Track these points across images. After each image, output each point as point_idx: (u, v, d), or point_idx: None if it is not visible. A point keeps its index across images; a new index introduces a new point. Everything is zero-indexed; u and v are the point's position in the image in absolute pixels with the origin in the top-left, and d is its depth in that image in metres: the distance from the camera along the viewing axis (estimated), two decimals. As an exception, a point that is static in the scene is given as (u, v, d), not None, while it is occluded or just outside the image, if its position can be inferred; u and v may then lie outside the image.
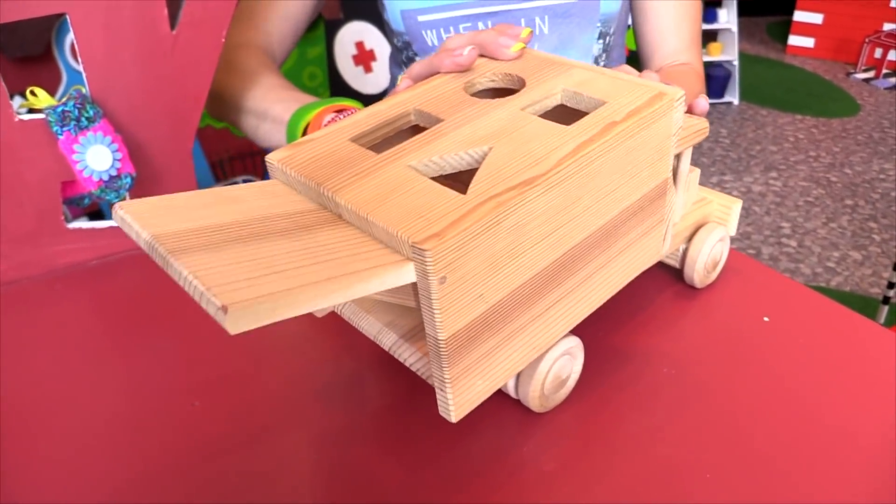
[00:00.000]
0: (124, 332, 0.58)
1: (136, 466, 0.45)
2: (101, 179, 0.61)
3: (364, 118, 0.46)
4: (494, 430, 0.46)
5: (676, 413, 0.48)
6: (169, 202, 0.38)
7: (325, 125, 0.65)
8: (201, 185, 0.69)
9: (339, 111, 0.67)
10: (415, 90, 0.49)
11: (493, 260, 0.38)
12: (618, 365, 0.52)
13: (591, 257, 0.44)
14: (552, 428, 0.47)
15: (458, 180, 0.43)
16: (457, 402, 0.40)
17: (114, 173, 0.62)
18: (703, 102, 0.58)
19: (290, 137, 0.70)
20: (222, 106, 0.81)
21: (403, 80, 0.56)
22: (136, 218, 0.36)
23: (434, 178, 0.40)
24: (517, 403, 0.48)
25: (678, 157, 0.55)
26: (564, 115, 0.47)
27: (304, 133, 0.68)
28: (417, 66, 0.55)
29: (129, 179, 0.63)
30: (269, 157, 0.43)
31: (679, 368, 0.52)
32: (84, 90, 0.62)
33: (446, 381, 0.39)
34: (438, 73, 0.52)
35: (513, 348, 0.42)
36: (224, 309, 0.29)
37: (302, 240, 0.36)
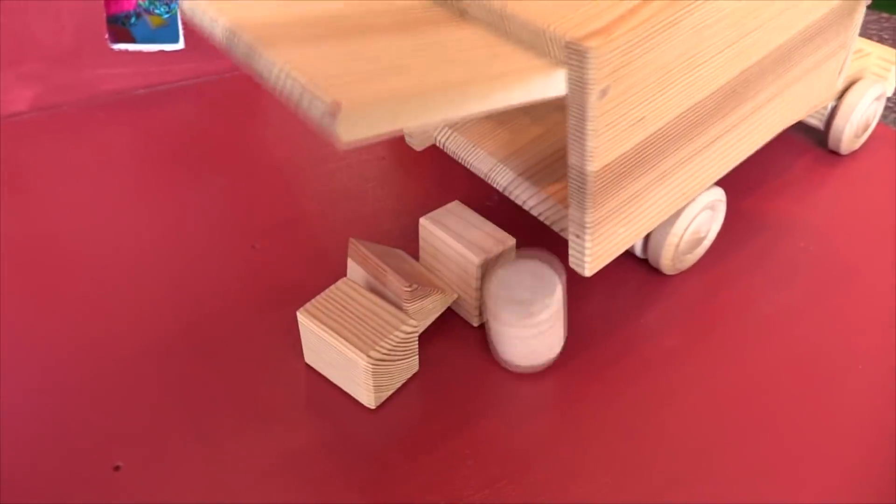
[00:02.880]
0: (173, 167, 0.51)
1: (188, 310, 0.39)
2: (149, -12, 0.53)
3: None
4: (608, 294, 0.39)
5: (817, 292, 0.41)
6: None
7: None
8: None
9: None
10: None
11: (664, 72, 0.30)
12: (750, 234, 0.44)
13: (762, 85, 0.36)
14: (675, 298, 0.40)
15: None
16: (594, 253, 0.32)
17: (164, -18, 0.53)
18: None
19: None
20: None
21: None
22: (212, 2, 0.29)
23: None
24: (636, 266, 0.40)
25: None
26: None
27: None
28: None
29: (181, -8, 0.54)
30: None
31: (820, 243, 0.44)
32: None
33: (586, 226, 0.31)
34: None
35: (662, 191, 0.34)
36: (336, 106, 0.22)
37: (419, 38, 0.28)
